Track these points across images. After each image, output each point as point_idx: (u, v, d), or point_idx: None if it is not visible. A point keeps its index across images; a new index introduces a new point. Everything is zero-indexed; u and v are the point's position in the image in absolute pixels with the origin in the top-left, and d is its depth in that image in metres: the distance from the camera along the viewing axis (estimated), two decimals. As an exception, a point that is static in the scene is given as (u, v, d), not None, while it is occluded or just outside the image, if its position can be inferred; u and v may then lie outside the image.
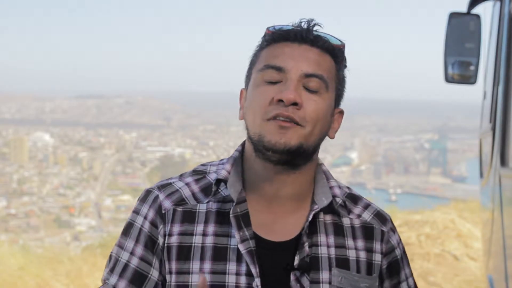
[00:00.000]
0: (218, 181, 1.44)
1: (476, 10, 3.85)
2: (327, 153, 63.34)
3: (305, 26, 1.45)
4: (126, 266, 1.44)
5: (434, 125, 74.17)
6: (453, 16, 3.79)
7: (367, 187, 53.87)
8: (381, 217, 1.54)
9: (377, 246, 1.50)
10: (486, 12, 3.96)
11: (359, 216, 1.51)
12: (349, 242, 1.47)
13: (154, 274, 1.42)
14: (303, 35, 1.43)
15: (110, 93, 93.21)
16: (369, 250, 1.49)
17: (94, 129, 64.97)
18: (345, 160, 62.91)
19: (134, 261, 1.43)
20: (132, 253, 1.44)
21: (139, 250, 1.43)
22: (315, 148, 1.44)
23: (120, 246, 1.46)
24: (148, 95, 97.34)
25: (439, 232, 8.25)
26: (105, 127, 67.10)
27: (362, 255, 1.48)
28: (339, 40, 1.48)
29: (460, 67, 3.80)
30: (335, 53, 1.46)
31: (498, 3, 3.68)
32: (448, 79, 3.83)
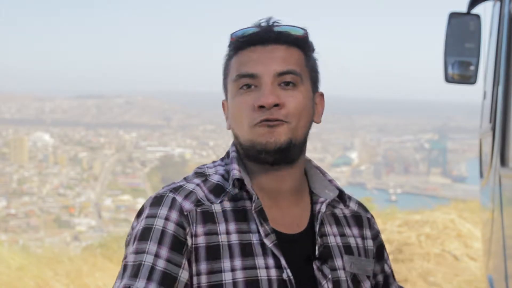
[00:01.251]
0: (236, 181, 1.46)
1: (476, 10, 3.85)
2: (327, 153, 63.32)
3: (265, 26, 1.47)
4: (152, 268, 1.34)
5: (434, 125, 74.20)
6: (453, 16, 3.79)
7: (367, 187, 53.91)
8: (363, 206, 1.65)
9: (367, 232, 1.60)
10: (486, 12, 3.96)
11: (347, 206, 1.60)
12: (347, 230, 1.57)
13: (184, 275, 1.36)
14: (265, 36, 1.45)
15: (110, 93, 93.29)
16: (362, 237, 1.59)
17: (94, 129, 65.00)
18: (345, 160, 62.94)
19: (161, 263, 1.35)
20: (157, 256, 1.35)
21: (164, 252, 1.36)
22: (305, 139, 1.49)
23: (139, 252, 1.37)
24: (148, 95, 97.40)
25: (439, 232, 8.24)
26: (105, 127, 67.13)
27: (359, 241, 1.58)
28: (301, 28, 1.50)
29: (460, 67, 3.80)
30: (301, 43, 1.49)
31: (498, 3, 3.67)
32: (448, 79, 3.83)
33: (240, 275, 1.38)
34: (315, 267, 1.45)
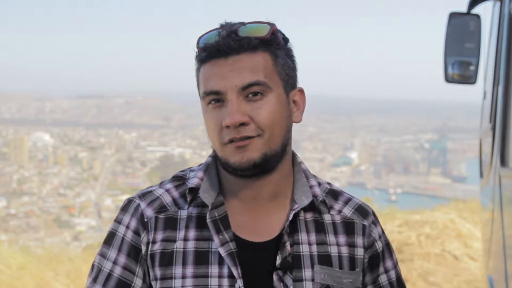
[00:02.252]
0: (192, 190, 1.45)
1: (476, 10, 3.85)
2: (327, 153, 63.32)
3: (224, 35, 1.38)
4: (109, 275, 1.45)
5: (434, 125, 74.18)
6: (453, 16, 3.79)
7: (367, 187, 53.92)
8: (362, 211, 1.54)
9: (358, 240, 1.50)
10: (486, 12, 3.96)
11: (339, 212, 1.52)
12: (331, 238, 1.48)
13: (138, 282, 1.44)
14: (225, 48, 1.37)
15: (110, 93, 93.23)
16: (351, 245, 1.50)
17: (94, 129, 65.01)
18: (345, 160, 62.93)
19: (117, 270, 1.44)
20: (114, 263, 1.45)
21: (122, 259, 1.45)
22: (284, 145, 1.43)
23: (103, 255, 1.47)
24: (148, 95, 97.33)
25: (439, 232, 8.24)
26: (105, 127, 67.11)
27: (344, 250, 1.48)
28: (266, 23, 1.41)
29: (460, 67, 3.80)
30: (266, 44, 1.40)
31: (498, 3, 3.67)
32: (448, 79, 3.83)
33: (189, 282, 1.39)
34: (275, 277, 1.41)
